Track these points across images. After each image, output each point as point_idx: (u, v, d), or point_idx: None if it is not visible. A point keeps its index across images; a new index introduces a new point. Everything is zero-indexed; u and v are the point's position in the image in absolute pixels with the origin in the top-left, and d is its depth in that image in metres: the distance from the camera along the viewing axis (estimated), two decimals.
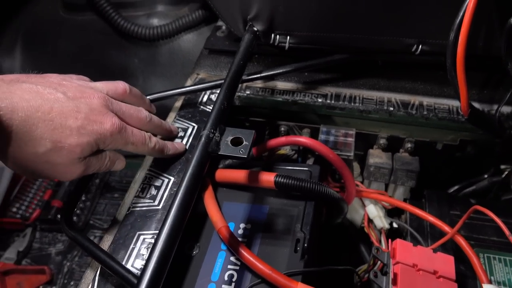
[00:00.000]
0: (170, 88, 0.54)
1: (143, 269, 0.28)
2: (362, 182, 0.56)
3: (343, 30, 0.51)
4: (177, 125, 0.52)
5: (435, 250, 0.41)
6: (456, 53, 0.39)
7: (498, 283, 0.42)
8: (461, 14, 0.39)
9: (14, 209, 0.85)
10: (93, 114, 0.36)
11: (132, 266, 0.38)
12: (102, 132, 0.36)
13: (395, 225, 0.52)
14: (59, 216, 0.84)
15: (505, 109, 0.50)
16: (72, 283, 0.76)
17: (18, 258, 0.80)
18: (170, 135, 0.49)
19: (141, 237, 0.40)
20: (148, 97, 0.50)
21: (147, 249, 0.39)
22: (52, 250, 0.82)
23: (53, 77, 0.39)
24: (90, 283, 0.37)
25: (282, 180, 0.42)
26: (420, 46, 0.49)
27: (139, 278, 0.27)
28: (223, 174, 0.46)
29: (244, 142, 0.36)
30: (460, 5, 0.39)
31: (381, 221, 0.51)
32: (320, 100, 0.54)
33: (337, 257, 0.54)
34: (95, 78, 0.88)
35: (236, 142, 0.37)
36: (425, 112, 0.52)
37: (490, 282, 0.39)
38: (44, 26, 0.88)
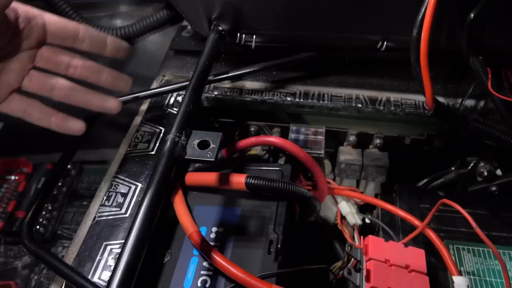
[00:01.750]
0: (135, 90, 0.52)
1: (108, 282, 0.26)
2: (333, 179, 0.56)
3: (308, 28, 0.51)
4: (143, 129, 0.50)
5: (406, 244, 0.41)
6: (419, 49, 0.40)
7: (468, 273, 0.43)
8: (423, 10, 0.39)
9: None
10: None
11: (99, 278, 0.36)
12: None
13: (367, 220, 0.52)
14: None
15: (469, 102, 0.51)
16: None
17: None
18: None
19: (108, 248, 0.39)
20: None
21: (115, 259, 0.38)
22: (18, 263, 0.78)
23: None
24: None
25: (253, 181, 0.41)
26: (385, 43, 0.50)
27: None
28: (192, 177, 0.45)
29: (211, 145, 0.35)
30: (422, 1, 0.39)
31: (354, 218, 0.52)
32: (289, 99, 0.54)
33: (313, 255, 0.54)
34: None
35: (204, 145, 0.36)
36: (392, 108, 0.52)
37: (460, 273, 0.40)
38: None
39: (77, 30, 0.40)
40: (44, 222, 0.81)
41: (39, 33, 0.38)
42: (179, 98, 0.54)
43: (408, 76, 0.54)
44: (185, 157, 0.34)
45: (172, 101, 0.54)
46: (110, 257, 0.38)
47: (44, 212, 0.82)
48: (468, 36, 0.43)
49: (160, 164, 0.33)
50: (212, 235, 0.42)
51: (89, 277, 0.36)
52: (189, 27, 0.63)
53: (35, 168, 0.88)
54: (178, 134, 0.35)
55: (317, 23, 0.50)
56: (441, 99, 0.51)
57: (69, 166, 0.89)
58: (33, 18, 0.37)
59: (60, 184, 0.87)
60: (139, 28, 0.76)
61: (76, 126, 0.42)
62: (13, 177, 0.88)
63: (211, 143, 0.35)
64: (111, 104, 0.44)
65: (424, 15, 0.39)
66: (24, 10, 0.37)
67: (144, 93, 0.52)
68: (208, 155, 0.34)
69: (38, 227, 0.79)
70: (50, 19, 0.38)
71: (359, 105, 0.53)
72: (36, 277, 0.76)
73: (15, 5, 0.34)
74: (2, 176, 0.87)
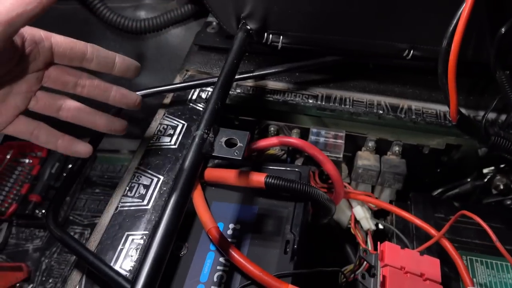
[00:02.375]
0: (157, 83, 0.53)
1: (137, 274, 0.27)
2: (349, 183, 0.57)
3: (336, 32, 0.51)
4: (166, 122, 0.51)
5: (421, 253, 0.42)
6: (448, 60, 0.40)
7: (480, 285, 0.43)
8: (454, 21, 0.39)
9: None
10: None
11: (120, 267, 0.37)
12: None
13: (381, 226, 0.52)
14: (37, 211, 0.81)
15: (491, 115, 0.52)
16: (50, 280, 0.74)
17: None
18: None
19: (130, 238, 0.39)
20: (137, 93, 0.48)
21: (136, 250, 0.38)
22: (30, 246, 0.80)
23: None
24: (77, 284, 0.36)
25: (272, 181, 0.41)
26: (412, 51, 0.50)
27: (133, 282, 0.26)
28: (212, 173, 0.45)
29: (239, 144, 0.36)
30: (454, 13, 0.39)
31: (368, 222, 0.52)
32: (311, 101, 0.54)
33: (323, 257, 0.54)
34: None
35: (230, 143, 0.36)
36: (413, 116, 0.52)
37: (473, 284, 0.40)
38: None
39: (84, 51, 0.39)
40: None
41: (46, 55, 0.38)
42: (202, 94, 0.54)
43: (430, 85, 0.55)
44: (213, 154, 0.35)
45: (195, 96, 0.54)
46: (132, 247, 0.39)
47: None
48: (497, 50, 0.43)
49: (187, 159, 0.33)
50: (229, 232, 0.42)
51: (111, 265, 0.37)
52: (214, 23, 0.64)
53: (49, 153, 0.89)
54: (206, 131, 0.35)
55: (346, 28, 0.50)
56: (463, 110, 0.51)
57: None
58: (40, 42, 0.37)
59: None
60: (163, 21, 0.77)
61: (82, 149, 0.42)
62: (27, 161, 0.89)
63: (238, 141, 0.36)
64: (118, 126, 0.44)
65: (456, 26, 0.39)
66: (30, 33, 0.36)
67: (167, 87, 0.53)
68: (235, 153, 0.35)
69: None
70: (58, 40, 0.38)
71: (380, 112, 0.53)
72: (47, 260, 0.77)
73: (21, 29, 0.34)
74: (17, 159, 0.88)
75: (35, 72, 0.38)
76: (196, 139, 0.35)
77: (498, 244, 0.36)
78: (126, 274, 0.36)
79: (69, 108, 0.40)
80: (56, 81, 0.40)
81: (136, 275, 0.27)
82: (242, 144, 0.36)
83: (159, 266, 0.27)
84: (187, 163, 0.33)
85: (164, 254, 0.28)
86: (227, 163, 0.47)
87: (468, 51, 0.47)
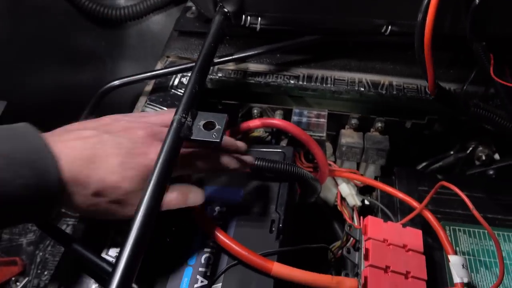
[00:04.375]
0: (140, 71, 0.53)
1: (118, 257, 0.27)
2: (334, 162, 0.57)
3: (313, 10, 0.51)
4: (148, 109, 0.51)
5: (404, 225, 0.43)
6: (423, 34, 0.40)
7: (463, 253, 0.45)
8: None
9: None
10: (136, 147, 0.35)
11: (107, 255, 0.37)
12: (147, 163, 0.34)
13: (366, 202, 0.53)
14: None
15: (470, 88, 0.52)
16: (46, 273, 0.75)
17: None
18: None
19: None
20: (116, 81, 0.48)
21: (121, 235, 0.39)
22: (23, 240, 0.80)
23: (105, 119, 0.38)
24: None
25: (257, 162, 0.42)
26: (390, 27, 0.50)
27: (114, 266, 0.27)
28: None
29: (217, 126, 0.36)
30: None
31: (353, 199, 0.53)
32: (292, 81, 0.54)
33: (312, 235, 0.55)
34: (60, 63, 0.84)
35: (209, 126, 0.36)
36: (394, 92, 0.53)
37: (455, 252, 0.41)
38: None
39: None
40: None
41: None
42: (184, 80, 0.54)
43: (411, 60, 0.55)
44: (191, 138, 0.35)
45: (176, 82, 0.54)
46: (117, 235, 0.39)
47: None
48: (472, 21, 0.44)
49: (166, 143, 0.33)
50: (215, 214, 0.43)
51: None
52: (193, 8, 0.63)
53: None
54: (184, 115, 0.35)
55: (322, 6, 0.50)
56: (443, 84, 0.51)
57: None
58: None
59: None
60: (143, 8, 0.76)
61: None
62: None
63: (216, 124, 0.36)
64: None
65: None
66: None
67: (148, 74, 0.52)
68: (213, 135, 0.35)
69: None
70: None
71: (362, 89, 0.53)
72: (41, 253, 0.78)
73: None
74: None
75: None
76: (174, 124, 0.35)
77: (475, 212, 0.37)
78: (113, 261, 0.37)
79: None
80: None
81: (117, 258, 0.27)
82: (220, 126, 0.36)
83: (140, 248, 0.28)
84: (165, 147, 0.33)
85: (144, 236, 0.28)
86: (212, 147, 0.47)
87: (444, 24, 0.47)
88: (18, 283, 0.74)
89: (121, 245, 0.28)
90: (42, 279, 0.74)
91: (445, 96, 0.46)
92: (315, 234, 0.57)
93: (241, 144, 0.42)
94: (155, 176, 0.31)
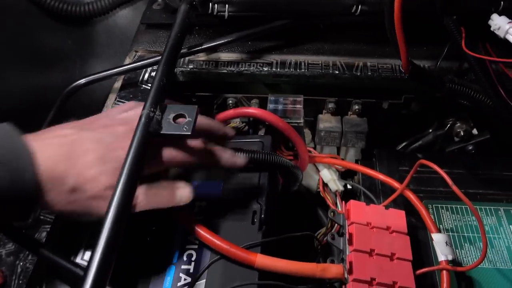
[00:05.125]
0: (107, 68, 0.51)
1: (89, 261, 0.26)
2: (314, 148, 0.57)
3: None
4: None
5: (387, 207, 0.42)
6: (393, 12, 0.39)
7: (447, 230, 0.45)
8: None
9: None
10: (117, 141, 0.34)
11: (82, 259, 0.36)
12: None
13: (349, 186, 0.53)
14: None
15: (444, 64, 0.52)
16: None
17: None
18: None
19: None
20: (82, 80, 0.46)
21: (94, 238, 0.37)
22: (2, 251, 0.77)
23: (87, 119, 0.37)
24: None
25: (237, 154, 0.41)
26: (360, 7, 0.49)
27: (85, 269, 0.26)
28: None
29: (188, 118, 0.34)
30: None
31: (335, 184, 0.52)
32: (266, 69, 0.53)
33: (297, 224, 0.54)
34: (27, 64, 0.81)
35: (179, 119, 0.35)
36: (369, 73, 0.52)
37: (438, 230, 0.41)
38: None
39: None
40: None
41: None
42: (153, 73, 0.52)
43: (384, 40, 0.54)
44: (161, 132, 0.34)
45: (146, 77, 0.52)
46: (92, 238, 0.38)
47: None
48: None
49: (135, 140, 0.32)
50: (195, 209, 0.42)
51: (72, 258, 0.36)
52: None
53: None
54: (152, 109, 0.34)
55: None
56: (417, 62, 0.51)
57: None
58: None
59: None
60: (108, 2, 0.73)
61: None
62: None
63: (187, 116, 0.35)
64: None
65: None
66: None
67: (116, 69, 0.51)
68: (184, 128, 0.34)
69: None
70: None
71: (336, 72, 0.52)
72: (21, 263, 0.75)
73: None
74: None
75: None
76: (142, 119, 0.33)
77: (455, 188, 0.36)
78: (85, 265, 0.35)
79: None
80: None
81: (88, 262, 0.26)
82: (191, 118, 0.34)
83: (112, 249, 0.27)
84: (134, 143, 0.32)
85: (115, 236, 0.27)
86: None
87: (413, 0, 0.47)
88: None
89: (92, 249, 0.27)
90: None
91: (420, 74, 0.46)
92: (300, 222, 0.56)
93: (229, 129, 0.41)
94: (125, 173, 0.30)
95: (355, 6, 0.49)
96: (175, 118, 0.35)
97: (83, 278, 0.26)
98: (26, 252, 0.78)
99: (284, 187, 0.50)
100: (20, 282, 0.74)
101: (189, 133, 0.33)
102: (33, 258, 0.77)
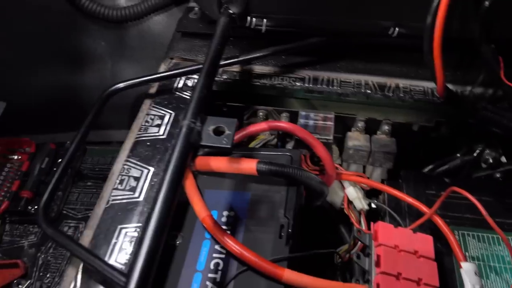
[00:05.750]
0: (141, 72, 0.52)
1: (132, 267, 0.27)
2: (341, 165, 0.57)
3: (319, 12, 0.50)
4: (153, 112, 0.50)
5: (414, 230, 0.42)
6: (433, 37, 0.40)
7: (472, 258, 0.44)
8: None
9: None
10: None
11: (115, 261, 0.37)
12: None
13: (373, 205, 0.53)
14: (30, 207, 0.80)
15: (477, 90, 0.52)
16: (48, 275, 0.74)
17: None
18: None
19: (123, 231, 0.39)
20: (121, 84, 0.48)
21: (130, 243, 0.38)
22: (25, 242, 0.79)
23: None
24: (72, 280, 0.36)
25: (264, 166, 0.41)
26: (397, 29, 0.49)
27: (128, 276, 0.26)
28: (203, 162, 0.45)
29: (227, 131, 0.35)
30: None
31: (360, 202, 0.52)
32: (298, 83, 0.53)
33: (318, 238, 0.54)
34: (61, 63, 0.83)
35: (218, 131, 0.36)
36: (401, 94, 0.52)
37: (466, 259, 0.41)
38: None
39: None
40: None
41: None
42: (188, 82, 0.54)
43: (417, 62, 0.55)
44: (201, 143, 0.35)
45: (181, 84, 0.53)
46: (125, 240, 0.38)
47: None
48: (481, 24, 0.43)
49: (176, 150, 0.33)
50: (223, 219, 0.42)
51: (106, 259, 0.37)
52: (196, 8, 0.62)
53: (38, 148, 0.88)
54: (193, 120, 0.35)
55: (328, 8, 0.49)
56: (450, 86, 0.51)
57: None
58: None
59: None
60: (144, 8, 0.75)
61: None
62: (16, 157, 0.87)
63: (226, 129, 0.36)
64: None
65: (440, 2, 0.38)
66: None
67: (153, 76, 0.52)
68: (224, 141, 0.35)
69: None
70: None
71: (368, 91, 0.53)
72: (43, 256, 0.77)
73: None
74: (5, 155, 0.86)
75: None
76: (184, 129, 0.34)
77: (488, 218, 0.36)
78: (121, 268, 0.36)
79: None
80: None
81: (131, 268, 0.27)
82: (230, 132, 0.35)
83: (153, 257, 0.27)
84: (175, 153, 0.33)
85: (157, 245, 0.28)
86: (218, 151, 0.46)
87: (453, 27, 0.47)
88: (20, 286, 0.74)
89: (134, 253, 0.27)
90: (44, 282, 0.73)
91: (454, 99, 0.46)
92: (321, 237, 0.56)
93: None
94: (167, 181, 0.31)
95: (392, 28, 0.49)
96: (214, 130, 0.35)
97: (125, 284, 0.26)
98: (48, 245, 0.80)
99: (308, 201, 0.51)
100: (41, 274, 0.76)
101: (229, 146, 0.34)
102: (54, 252, 0.79)
